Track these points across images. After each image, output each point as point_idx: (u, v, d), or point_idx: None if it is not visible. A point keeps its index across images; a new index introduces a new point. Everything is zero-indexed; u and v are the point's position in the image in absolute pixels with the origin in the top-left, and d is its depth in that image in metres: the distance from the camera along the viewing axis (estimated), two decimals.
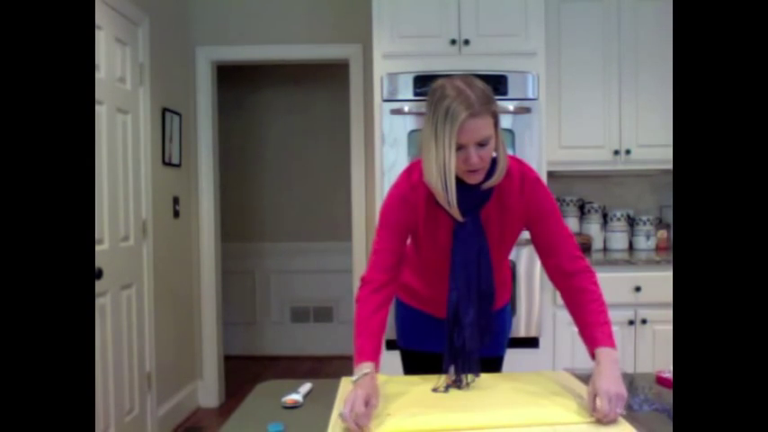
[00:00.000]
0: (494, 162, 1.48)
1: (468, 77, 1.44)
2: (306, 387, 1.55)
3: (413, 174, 1.55)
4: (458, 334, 1.51)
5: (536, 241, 1.59)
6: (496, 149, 1.46)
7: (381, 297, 1.50)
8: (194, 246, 3.78)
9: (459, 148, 1.40)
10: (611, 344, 1.41)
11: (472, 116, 1.36)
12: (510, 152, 2.87)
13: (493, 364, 1.77)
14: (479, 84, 1.43)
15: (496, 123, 1.43)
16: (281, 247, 4.99)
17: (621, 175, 3.56)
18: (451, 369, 1.54)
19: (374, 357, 1.42)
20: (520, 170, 1.56)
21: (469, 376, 1.54)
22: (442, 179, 1.41)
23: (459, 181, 1.46)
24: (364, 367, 1.39)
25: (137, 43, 3.06)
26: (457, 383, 1.52)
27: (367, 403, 1.29)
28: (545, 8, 2.98)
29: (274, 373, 4.40)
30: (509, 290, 1.81)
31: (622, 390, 1.30)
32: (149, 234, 3.14)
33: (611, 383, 1.31)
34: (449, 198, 1.42)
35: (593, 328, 1.44)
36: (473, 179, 1.46)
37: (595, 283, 1.52)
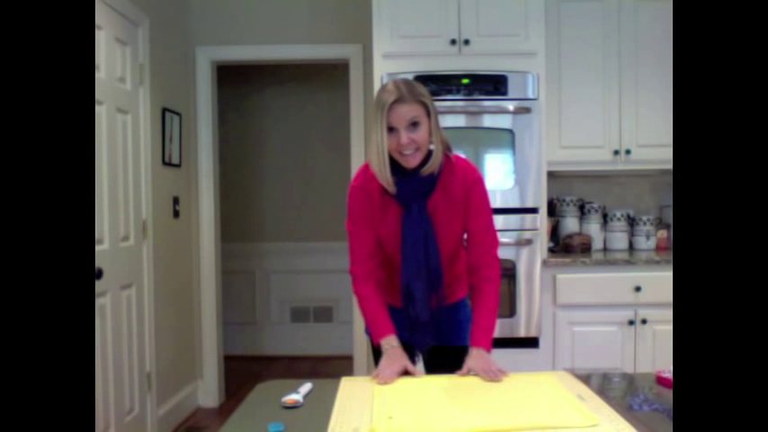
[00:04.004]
0: (431, 153, 1.68)
1: (412, 81, 1.68)
2: (306, 387, 1.55)
3: (368, 168, 1.70)
4: (412, 307, 1.72)
5: (467, 236, 1.79)
6: (432, 141, 1.66)
7: (373, 282, 1.77)
8: (194, 246, 3.78)
9: (392, 129, 1.61)
10: (487, 346, 1.71)
11: (398, 101, 1.59)
12: (509, 152, 2.93)
13: (461, 354, 1.78)
14: (418, 85, 1.66)
15: (428, 113, 1.64)
16: (281, 247, 4.99)
17: (621, 175, 3.55)
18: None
19: (392, 330, 1.71)
20: (464, 168, 1.75)
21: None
22: (378, 158, 1.62)
23: (403, 169, 1.66)
24: (390, 341, 1.69)
25: (137, 43, 3.06)
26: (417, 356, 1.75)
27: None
28: (545, 8, 2.98)
29: (274, 373, 4.40)
30: (466, 284, 1.90)
31: (489, 361, 1.62)
32: (149, 234, 3.14)
33: (476, 360, 1.63)
34: (385, 175, 1.62)
35: (479, 330, 1.73)
36: (409, 162, 1.64)
37: (497, 293, 1.78)
